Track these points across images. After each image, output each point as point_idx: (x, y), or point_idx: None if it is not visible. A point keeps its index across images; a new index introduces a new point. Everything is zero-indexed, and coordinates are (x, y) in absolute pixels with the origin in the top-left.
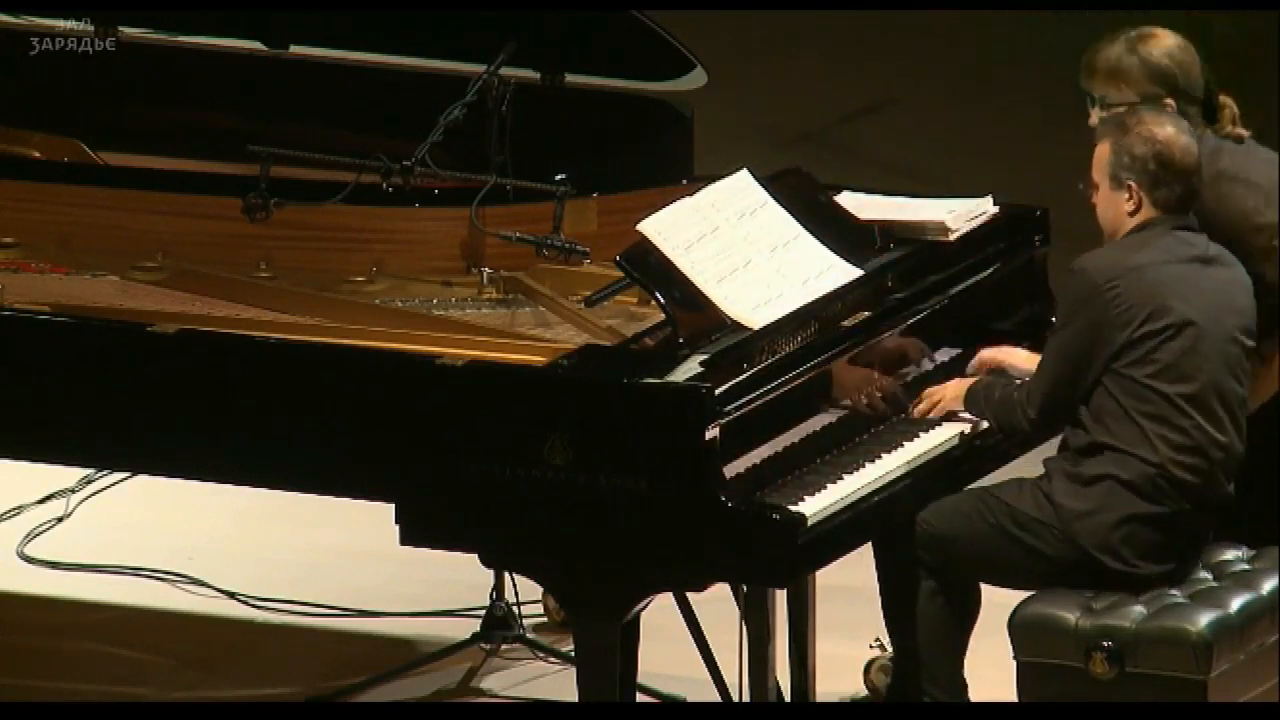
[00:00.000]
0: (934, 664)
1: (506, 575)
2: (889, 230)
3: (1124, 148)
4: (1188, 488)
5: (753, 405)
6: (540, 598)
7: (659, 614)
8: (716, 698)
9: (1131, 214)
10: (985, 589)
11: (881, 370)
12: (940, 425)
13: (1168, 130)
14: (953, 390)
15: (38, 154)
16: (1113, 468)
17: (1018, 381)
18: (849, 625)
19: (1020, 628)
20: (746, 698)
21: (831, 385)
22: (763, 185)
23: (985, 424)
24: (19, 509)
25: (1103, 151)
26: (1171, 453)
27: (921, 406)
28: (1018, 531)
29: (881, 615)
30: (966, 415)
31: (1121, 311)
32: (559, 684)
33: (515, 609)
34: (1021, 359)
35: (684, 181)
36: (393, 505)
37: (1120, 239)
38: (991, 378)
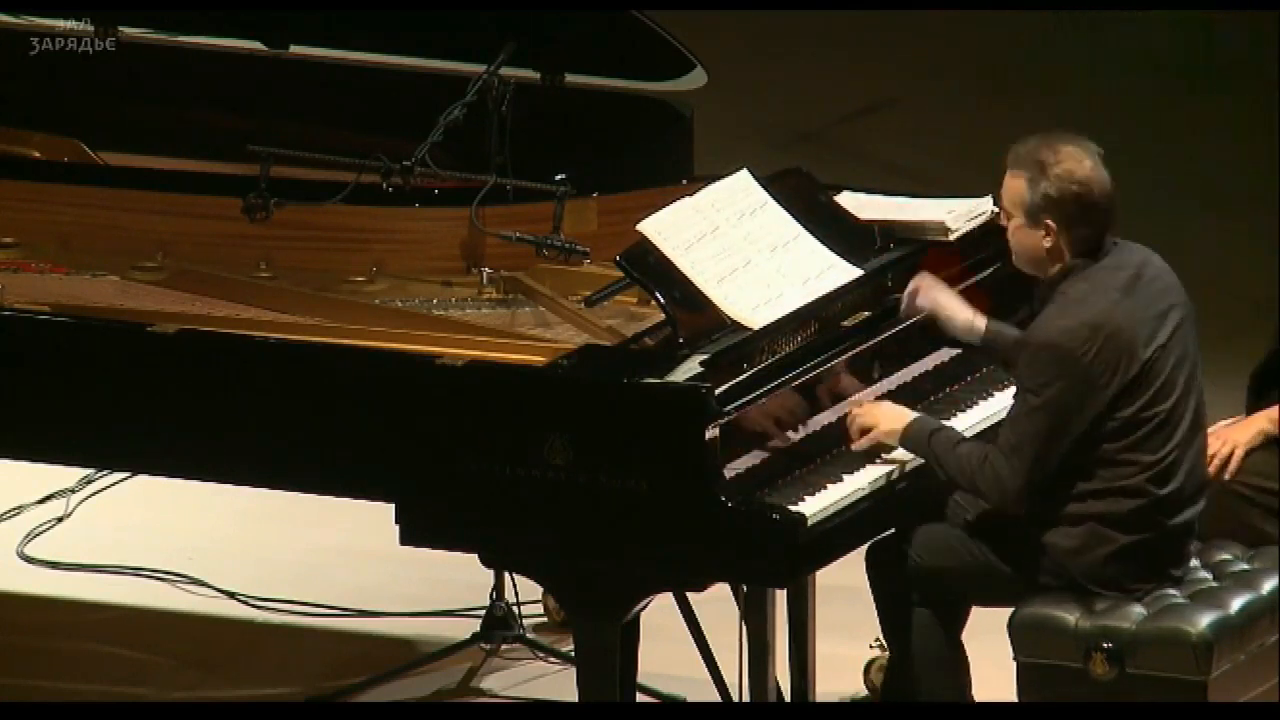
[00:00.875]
0: (936, 688)
1: (506, 575)
2: (889, 230)
3: (1040, 188)
4: (1171, 502)
5: (753, 405)
6: (540, 598)
7: (659, 614)
8: (716, 698)
9: (1049, 251)
10: None
11: (882, 370)
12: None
13: (1085, 167)
14: (886, 423)
15: (38, 154)
16: (1096, 506)
17: (960, 439)
18: (849, 625)
19: (1020, 628)
20: (746, 698)
21: (831, 385)
22: (763, 185)
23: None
24: (19, 509)
25: (1017, 185)
26: (1154, 476)
27: (851, 432)
28: (1007, 567)
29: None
30: (899, 453)
31: (1101, 372)
32: (559, 684)
33: (515, 609)
34: (955, 307)
35: (684, 181)
36: (393, 505)
37: (1062, 295)
38: (934, 424)
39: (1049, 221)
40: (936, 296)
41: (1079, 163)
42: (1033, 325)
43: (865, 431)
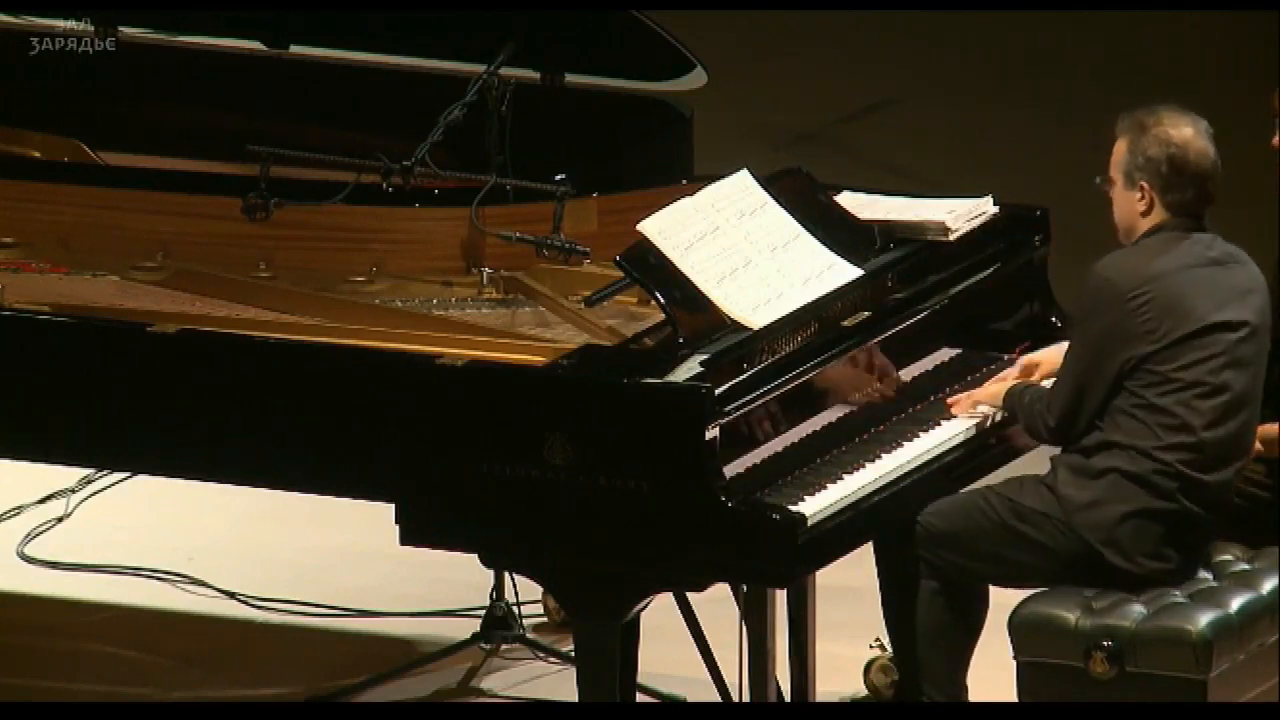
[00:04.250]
0: (932, 665)
1: (506, 575)
2: (889, 230)
3: (1139, 148)
4: (1195, 486)
5: (753, 405)
6: (540, 598)
7: (659, 614)
8: (716, 698)
9: (1144, 214)
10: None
11: (882, 371)
12: (940, 425)
13: (1185, 132)
14: (991, 389)
15: (38, 154)
16: (1120, 462)
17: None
18: (849, 625)
19: (1020, 628)
20: (746, 698)
21: (831, 385)
22: (763, 185)
23: (999, 416)
24: (19, 509)
25: (1119, 149)
26: (1183, 452)
27: (960, 400)
28: (1019, 525)
29: (882, 616)
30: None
31: (1144, 321)
32: (559, 684)
33: (515, 609)
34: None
35: (684, 181)
36: (393, 505)
37: (1136, 242)
38: (1027, 381)
39: (1143, 183)
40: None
41: (1177, 127)
42: (1100, 259)
43: (971, 399)
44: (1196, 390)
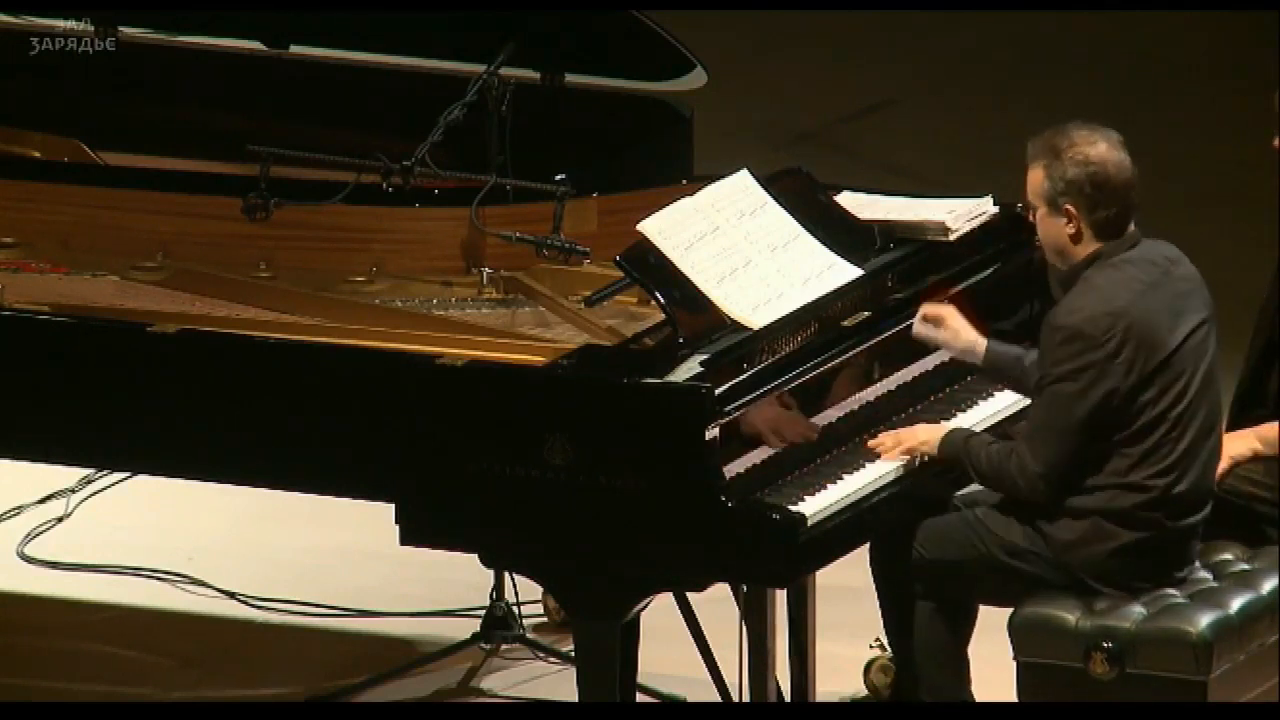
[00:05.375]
0: (937, 681)
1: (506, 575)
2: (889, 230)
3: (1057, 172)
4: (1177, 503)
5: (753, 405)
6: (540, 598)
7: (659, 614)
8: (716, 698)
9: (1073, 237)
10: None
11: (882, 370)
12: (939, 425)
13: (1100, 148)
14: (924, 433)
15: (38, 154)
16: (1100, 501)
17: (992, 440)
18: (849, 625)
19: (1020, 628)
20: (746, 698)
21: (831, 385)
22: (763, 185)
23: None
24: (19, 509)
25: (1036, 177)
26: (1164, 476)
27: (883, 441)
28: (1010, 560)
29: (881, 617)
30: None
31: (1122, 362)
32: (559, 684)
33: (515, 609)
34: (961, 327)
35: (684, 181)
36: (393, 505)
37: (1086, 281)
38: (969, 430)
39: (1069, 206)
40: (940, 319)
41: (1092, 145)
42: (1055, 309)
43: (901, 447)
44: (1174, 411)
